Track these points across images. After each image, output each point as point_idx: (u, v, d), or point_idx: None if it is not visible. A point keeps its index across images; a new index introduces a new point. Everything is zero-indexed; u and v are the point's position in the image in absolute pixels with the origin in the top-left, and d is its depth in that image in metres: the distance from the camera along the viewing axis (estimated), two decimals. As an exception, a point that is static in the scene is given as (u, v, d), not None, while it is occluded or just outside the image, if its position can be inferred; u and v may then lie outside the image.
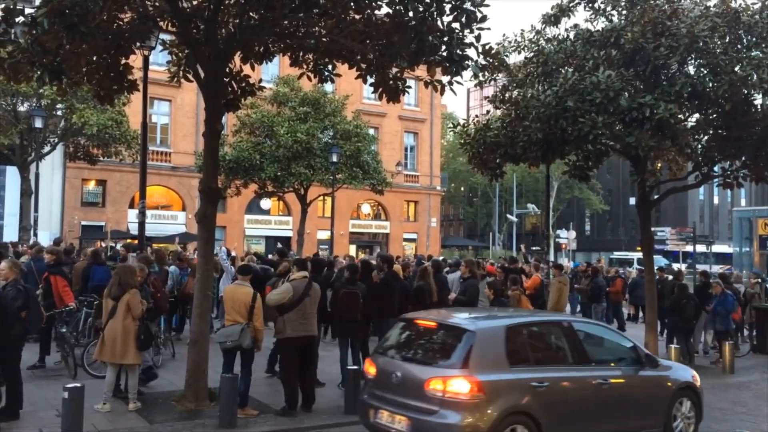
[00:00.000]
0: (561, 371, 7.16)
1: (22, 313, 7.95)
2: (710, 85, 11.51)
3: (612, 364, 7.79)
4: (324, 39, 8.93)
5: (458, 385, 6.38)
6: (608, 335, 8.42)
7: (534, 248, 47.25)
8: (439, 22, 7.92)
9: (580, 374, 7.26)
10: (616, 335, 8.50)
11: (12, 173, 27.47)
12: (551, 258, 35.87)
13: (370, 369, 7.36)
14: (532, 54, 13.56)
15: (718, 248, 46.38)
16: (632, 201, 48.12)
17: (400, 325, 7.73)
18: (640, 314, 20.44)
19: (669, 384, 8.07)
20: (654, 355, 8.76)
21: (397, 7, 7.95)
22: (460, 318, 7.47)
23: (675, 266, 25.49)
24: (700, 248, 34.30)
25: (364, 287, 10.13)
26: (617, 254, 49.52)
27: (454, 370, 6.51)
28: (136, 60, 9.64)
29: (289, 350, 8.58)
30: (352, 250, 40.73)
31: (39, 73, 7.98)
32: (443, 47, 8.02)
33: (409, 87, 9.31)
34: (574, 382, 7.16)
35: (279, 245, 18.16)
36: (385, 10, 8.17)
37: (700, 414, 8.33)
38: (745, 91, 11.77)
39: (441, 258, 22.23)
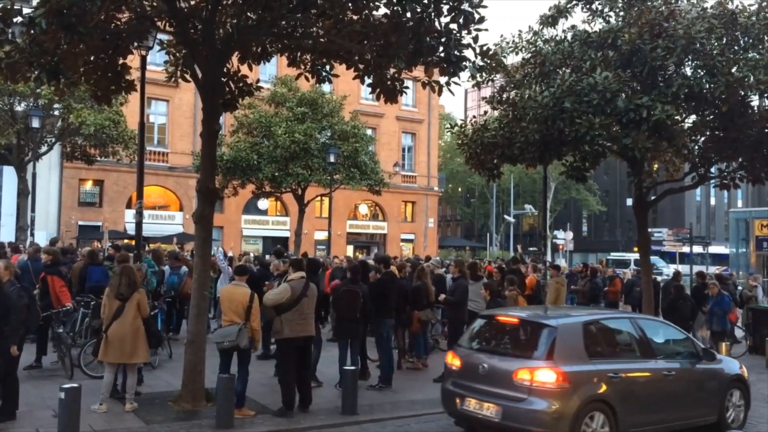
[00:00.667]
0: (631, 363, 7.78)
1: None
2: (707, 86, 11.54)
3: (673, 358, 8.36)
4: (322, 39, 8.94)
5: (545, 375, 6.97)
6: (669, 331, 8.95)
7: (531, 249, 47.32)
8: (436, 23, 7.93)
9: (648, 366, 7.85)
10: (675, 331, 8.98)
11: (9, 173, 27.44)
12: (548, 258, 35.90)
13: (454, 361, 7.90)
14: (529, 55, 13.59)
15: (715, 249, 46.41)
16: (629, 202, 48.20)
17: (482, 322, 8.43)
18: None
19: (722, 376, 8.65)
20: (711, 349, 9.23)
21: (395, 8, 7.95)
22: (541, 315, 8.26)
23: (672, 267, 25.53)
24: (697, 249, 34.27)
25: (366, 288, 10.12)
26: (614, 255, 49.53)
27: (540, 362, 7.10)
28: (133, 60, 9.61)
29: (287, 350, 8.58)
30: (350, 250, 40.72)
31: (37, 73, 7.98)
32: (441, 48, 8.02)
33: (407, 88, 9.33)
34: (643, 374, 7.76)
35: (279, 246, 18.09)
36: (382, 10, 8.17)
37: (748, 403, 8.92)
38: (742, 93, 11.80)
39: (438, 258, 22.24)
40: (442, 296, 11.65)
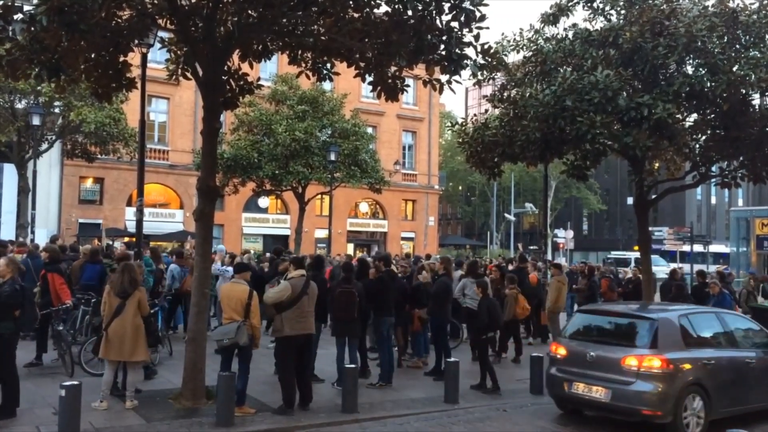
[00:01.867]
0: (720, 352, 8.76)
1: (16, 311, 7.92)
2: (708, 84, 11.52)
3: (752, 347, 9.30)
4: (323, 37, 8.92)
5: (651, 361, 8.00)
6: (747, 324, 9.86)
7: (531, 247, 47.31)
8: (438, 21, 7.91)
9: (733, 354, 8.90)
10: (752, 324, 9.86)
11: (9, 171, 27.44)
12: (549, 257, 35.90)
13: (559, 350, 9.05)
14: (530, 53, 13.59)
15: (714, 248, 46.39)
16: (630, 200, 48.16)
17: (584, 316, 9.65)
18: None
19: None
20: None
21: (396, 6, 7.94)
22: (641, 309, 9.29)
23: (672, 266, 25.50)
24: (697, 248, 34.30)
25: (361, 286, 10.13)
26: (614, 254, 49.51)
27: (645, 350, 8.15)
28: (134, 57, 9.61)
29: (287, 348, 8.58)
30: (350, 248, 40.73)
31: (37, 70, 7.97)
32: (442, 46, 8.01)
33: (408, 86, 9.31)
34: (730, 361, 8.75)
35: (278, 245, 18.14)
36: (384, 8, 8.16)
37: None
38: (743, 91, 11.79)
39: (438, 256, 22.19)
40: (424, 273, 11.66)
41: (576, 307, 18.75)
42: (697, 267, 26.37)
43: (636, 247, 51.89)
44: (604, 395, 8.19)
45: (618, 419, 8.41)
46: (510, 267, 17.43)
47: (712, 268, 27.77)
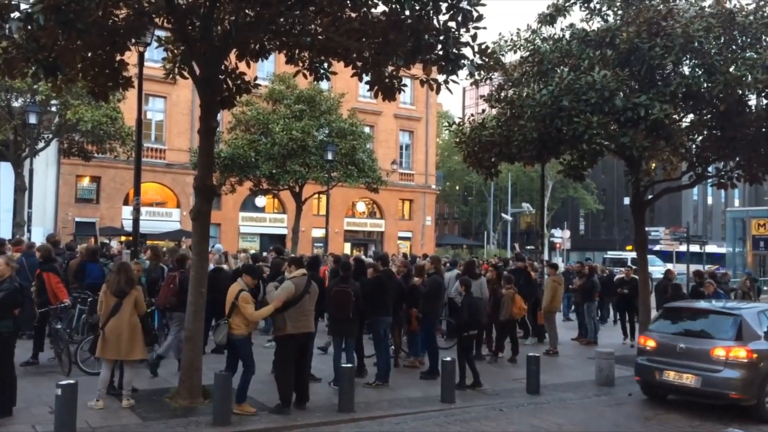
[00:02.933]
0: None
1: (15, 310, 7.92)
2: (705, 85, 11.54)
3: None
4: (320, 37, 8.93)
5: (738, 351, 9.23)
6: None
7: (528, 247, 47.35)
8: (435, 21, 7.92)
9: None
10: None
11: (6, 169, 27.31)
12: (545, 257, 35.95)
13: (649, 343, 10.26)
14: (527, 53, 13.60)
15: (710, 248, 46.43)
16: (626, 201, 48.23)
17: (670, 312, 10.83)
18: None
19: None
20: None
21: (394, 6, 7.94)
22: (725, 306, 10.56)
23: (668, 266, 25.55)
24: (693, 248, 34.27)
25: (358, 285, 10.14)
26: (611, 254, 49.56)
27: (731, 342, 9.38)
28: (131, 56, 9.59)
29: (288, 347, 8.58)
30: (347, 248, 40.73)
31: (34, 69, 7.95)
32: (439, 46, 8.01)
33: (405, 85, 9.32)
34: None
35: (278, 245, 18.12)
36: (381, 8, 8.16)
37: None
38: (740, 92, 11.81)
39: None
40: (417, 279, 11.68)
41: (572, 307, 18.78)
42: (693, 268, 26.38)
43: (629, 247, 52.13)
44: (694, 382, 9.42)
45: (702, 402, 9.70)
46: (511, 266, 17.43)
47: (702, 268, 27.82)
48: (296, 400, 8.71)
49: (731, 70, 11.19)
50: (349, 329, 10.01)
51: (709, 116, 12.92)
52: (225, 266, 13.39)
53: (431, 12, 7.81)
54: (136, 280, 8.66)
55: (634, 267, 17.67)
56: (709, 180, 14.99)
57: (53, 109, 22.59)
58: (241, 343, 8.44)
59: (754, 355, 9.22)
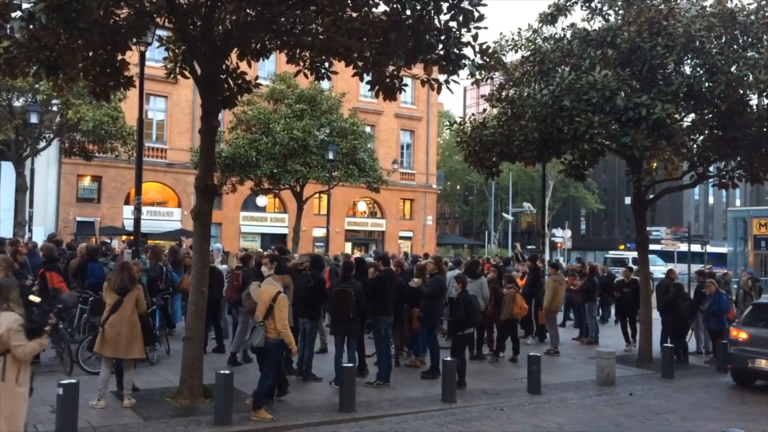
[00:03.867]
0: None
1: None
2: (706, 85, 11.54)
3: None
4: (321, 36, 8.93)
5: None
6: None
7: (529, 247, 47.32)
8: (436, 21, 7.92)
9: None
10: None
11: (7, 169, 27.37)
12: (546, 257, 35.91)
13: (741, 335, 11.77)
14: (528, 53, 13.59)
15: (711, 249, 46.39)
16: (628, 200, 48.18)
17: (759, 307, 12.48)
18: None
19: None
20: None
21: (395, 6, 7.94)
22: None
23: (671, 266, 25.54)
24: (694, 248, 34.25)
25: (360, 285, 10.13)
26: (612, 253, 49.53)
27: None
28: (132, 56, 9.60)
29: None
30: (348, 247, 40.73)
31: (35, 68, 7.96)
32: (440, 46, 8.01)
33: (406, 85, 9.32)
34: None
35: (282, 245, 18.11)
36: (382, 8, 8.15)
37: None
38: (741, 92, 11.81)
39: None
40: (415, 280, 11.61)
41: (571, 308, 18.70)
42: (694, 268, 26.34)
43: (621, 246, 52.04)
44: None
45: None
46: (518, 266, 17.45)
47: (694, 268, 27.75)
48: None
49: (733, 69, 11.18)
50: (350, 328, 10.03)
51: (710, 116, 12.91)
52: (217, 264, 13.47)
53: (432, 12, 7.81)
54: (137, 279, 8.68)
55: (634, 267, 17.63)
56: (711, 180, 14.98)
57: (54, 108, 22.59)
58: (274, 348, 8.22)
59: None
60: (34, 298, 6.69)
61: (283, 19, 8.85)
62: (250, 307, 9.58)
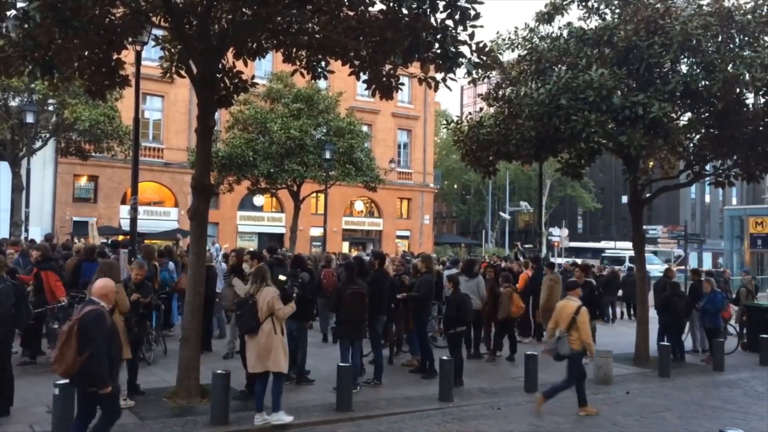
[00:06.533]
0: None
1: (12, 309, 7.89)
2: (703, 83, 11.54)
3: None
4: (317, 35, 8.92)
5: None
6: None
7: (526, 246, 47.34)
8: (432, 19, 7.91)
9: None
10: None
11: (3, 168, 27.25)
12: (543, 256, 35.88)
13: None
14: (525, 52, 13.59)
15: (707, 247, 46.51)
16: (624, 199, 48.21)
17: None
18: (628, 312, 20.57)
19: None
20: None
21: (391, 4, 7.93)
22: None
23: (679, 262, 25.62)
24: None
25: (366, 285, 9.99)
26: (609, 252, 49.58)
27: None
28: (128, 55, 9.58)
29: None
30: (345, 247, 40.71)
31: (30, 67, 7.93)
32: (437, 44, 8.00)
33: (403, 84, 9.29)
34: None
35: (281, 246, 18.06)
36: (378, 6, 8.15)
37: None
38: (738, 90, 11.82)
39: (434, 255, 22.17)
40: (403, 295, 11.47)
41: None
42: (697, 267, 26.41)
43: (606, 242, 51.98)
44: None
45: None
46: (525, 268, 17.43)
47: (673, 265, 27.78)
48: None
49: (729, 68, 11.18)
50: (360, 331, 9.89)
51: (707, 114, 12.91)
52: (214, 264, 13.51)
53: (429, 10, 7.78)
54: (117, 279, 8.48)
55: (594, 264, 17.61)
56: (707, 178, 15.00)
57: (50, 108, 22.54)
58: (577, 357, 9.20)
59: None
60: (282, 278, 8.97)
61: (279, 18, 8.84)
62: (229, 300, 9.70)
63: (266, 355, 7.94)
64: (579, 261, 19.01)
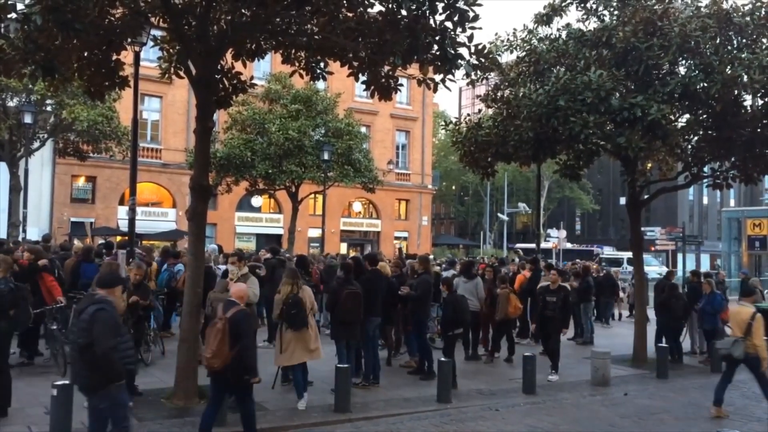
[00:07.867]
0: None
1: (11, 310, 7.89)
2: (701, 85, 11.56)
3: None
4: (316, 36, 8.92)
5: None
6: None
7: (523, 245, 47.37)
8: (431, 21, 7.91)
9: None
10: None
11: (1, 169, 27.26)
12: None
13: None
14: (524, 53, 13.60)
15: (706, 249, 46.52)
16: (622, 201, 48.23)
17: None
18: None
19: None
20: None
21: (390, 5, 7.94)
22: None
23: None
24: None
25: (360, 285, 10.01)
26: (607, 253, 49.66)
27: None
28: (127, 56, 9.59)
29: None
30: (343, 248, 40.71)
31: (31, 69, 7.92)
32: (436, 46, 8.01)
33: (401, 85, 9.29)
34: None
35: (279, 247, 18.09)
36: (377, 7, 8.16)
37: None
38: (736, 92, 11.84)
39: (431, 256, 22.20)
40: (405, 288, 11.47)
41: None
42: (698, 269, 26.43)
43: (598, 247, 52.00)
44: None
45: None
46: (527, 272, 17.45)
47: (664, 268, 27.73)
48: None
49: (727, 70, 11.19)
50: (355, 332, 9.86)
51: (705, 116, 12.94)
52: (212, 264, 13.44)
53: (427, 12, 7.79)
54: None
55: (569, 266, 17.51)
56: (705, 180, 15.02)
57: (48, 108, 22.51)
58: (755, 361, 9.35)
59: None
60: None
61: (278, 19, 8.84)
62: (216, 300, 9.71)
63: (315, 346, 8.77)
64: (578, 262, 19.03)
